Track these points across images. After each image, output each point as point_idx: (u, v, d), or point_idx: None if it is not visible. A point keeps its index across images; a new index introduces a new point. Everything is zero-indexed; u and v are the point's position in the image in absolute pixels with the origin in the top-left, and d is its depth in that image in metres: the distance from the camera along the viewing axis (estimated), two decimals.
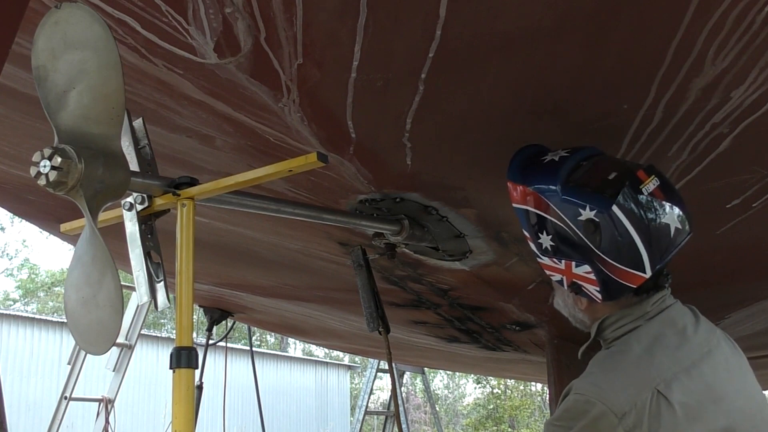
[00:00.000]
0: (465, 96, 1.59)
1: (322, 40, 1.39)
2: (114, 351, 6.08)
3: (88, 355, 5.42)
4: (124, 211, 1.60)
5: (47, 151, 1.30)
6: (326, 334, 5.44)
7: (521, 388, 22.67)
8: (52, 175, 1.29)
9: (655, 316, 1.58)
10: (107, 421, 5.94)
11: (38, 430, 11.25)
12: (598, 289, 1.57)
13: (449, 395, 28.74)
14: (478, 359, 5.75)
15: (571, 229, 1.55)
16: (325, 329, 5.02)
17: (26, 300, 25.52)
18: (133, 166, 1.55)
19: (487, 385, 23.31)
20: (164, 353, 15.29)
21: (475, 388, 24.95)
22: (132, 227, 1.58)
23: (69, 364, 5.93)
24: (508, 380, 21.24)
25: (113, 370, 6.09)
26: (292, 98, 1.58)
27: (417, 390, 23.99)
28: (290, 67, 1.46)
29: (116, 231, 1.62)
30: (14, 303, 24.95)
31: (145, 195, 1.58)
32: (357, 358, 22.24)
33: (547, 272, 1.65)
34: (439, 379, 28.59)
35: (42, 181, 1.31)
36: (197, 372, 1.66)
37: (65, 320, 1.68)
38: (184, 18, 1.35)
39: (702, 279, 2.86)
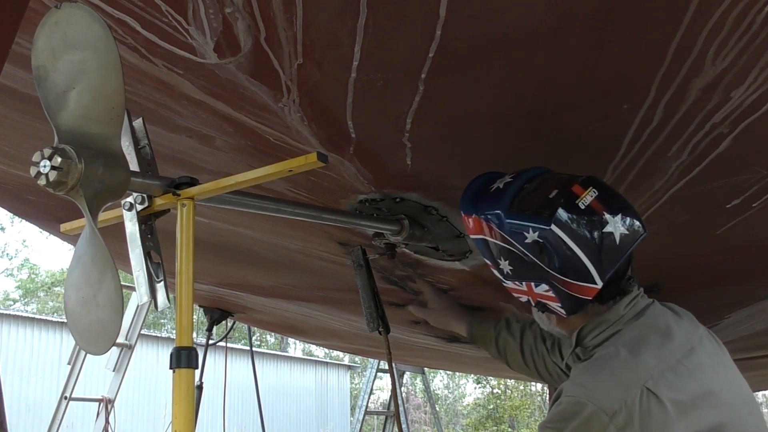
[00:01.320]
0: (465, 96, 1.59)
1: (322, 40, 1.39)
2: (114, 351, 6.09)
3: (88, 355, 5.42)
4: (124, 211, 1.60)
5: (47, 151, 1.30)
6: (326, 334, 5.43)
7: (521, 388, 22.68)
8: (52, 175, 1.29)
9: (633, 320, 1.60)
10: (107, 421, 5.95)
11: (38, 430, 11.25)
12: (559, 305, 1.61)
13: (449, 395, 28.74)
14: (478, 359, 5.74)
15: (522, 252, 1.58)
16: (325, 329, 5.02)
17: (26, 300, 25.53)
18: (133, 166, 1.55)
19: (487, 385, 23.33)
20: (164, 353, 15.30)
21: (475, 388, 24.98)
22: (132, 227, 1.58)
23: (69, 364, 5.93)
24: (508, 380, 21.24)
25: (113, 370, 6.10)
26: (292, 98, 1.58)
27: (417, 390, 23.99)
28: (290, 67, 1.46)
29: (116, 231, 1.62)
30: (14, 303, 24.96)
31: (145, 195, 1.58)
32: (357, 358, 22.24)
33: (514, 295, 1.70)
34: (439, 379, 28.60)
35: (42, 181, 1.31)
36: (197, 372, 1.66)
37: (65, 320, 1.68)
38: (184, 18, 1.35)
39: (702, 279, 2.86)
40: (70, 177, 1.30)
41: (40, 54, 1.30)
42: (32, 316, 14.87)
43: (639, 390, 1.45)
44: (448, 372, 26.45)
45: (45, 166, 1.30)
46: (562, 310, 1.62)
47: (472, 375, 23.05)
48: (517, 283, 1.66)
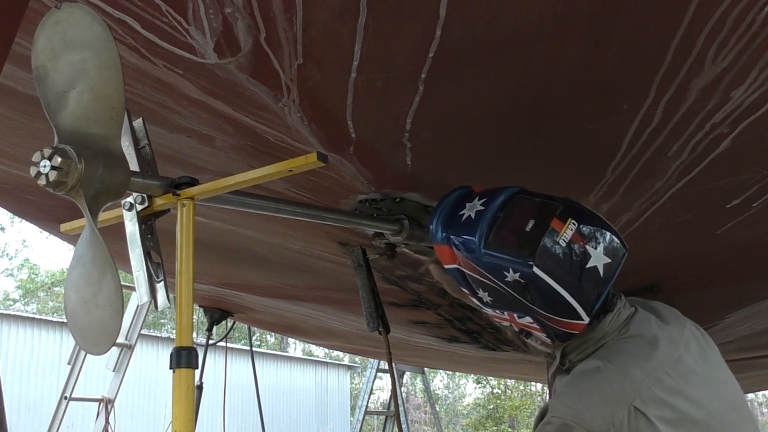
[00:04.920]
0: (465, 96, 1.59)
1: (322, 40, 1.39)
2: (114, 351, 6.08)
3: (88, 355, 5.42)
4: (124, 211, 1.60)
5: (47, 151, 1.30)
6: (326, 334, 5.43)
7: (521, 388, 22.68)
8: (52, 175, 1.29)
9: (617, 331, 1.57)
10: (107, 421, 5.94)
11: (38, 430, 11.25)
12: (545, 335, 1.59)
13: (449, 395, 28.75)
14: (478, 359, 5.75)
15: (503, 288, 1.53)
16: (325, 329, 5.02)
17: (26, 300, 25.53)
18: (133, 166, 1.55)
19: (487, 385, 23.32)
20: (164, 353, 15.29)
21: (475, 388, 24.97)
22: (132, 227, 1.58)
23: (69, 364, 5.93)
24: (508, 380, 21.24)
25: (113, 370, 6.09)
26: (292, 98, 1.58)
27: (417, 390, 24.00)
28: (290, 67, 1.46)
29: (116, 231, 1.62)
30: (14, 303, 24.96)
31: (145, 195, 1.58)
32: (357, 358, 22.24)
33: (496, 320, 1.66)
34: (439, 379, 28.60)
35: (42, 181, 1.31)
36: (197, 372, 1.66)
37: (65, 320, 1.68)
38: (184, 18, 1.35)
39: (702, 279, 2.86)
40: (70, 177, 1.30)
41: (40, 54, 1.30)
42: (32, 316, 14.87)
43: (627, 408, 1.42)
44: (448, 372, 26.45)
45: (45, 166, 1.30)
46: (548, 340, 1.59)
47: (472, 375, 23.06)
48: (498, 312, 1.61)
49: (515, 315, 1.58)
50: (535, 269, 1.45)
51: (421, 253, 2.55)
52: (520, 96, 1.59)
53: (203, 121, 1.80)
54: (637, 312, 1.61)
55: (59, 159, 1.29)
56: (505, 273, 1.50)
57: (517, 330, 1.64)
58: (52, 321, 14.18)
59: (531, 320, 1.56)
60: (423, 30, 1.33)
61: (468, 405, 26.16)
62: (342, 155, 1.86)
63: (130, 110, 1.59)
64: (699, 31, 1.31)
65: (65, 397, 5.84)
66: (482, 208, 1.58)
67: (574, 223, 1.49)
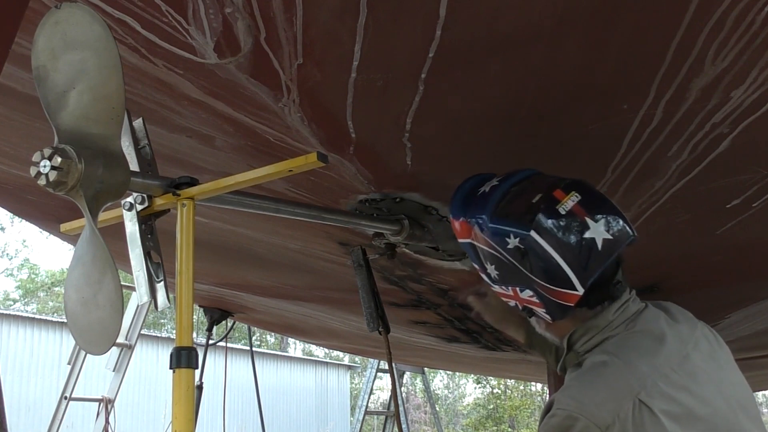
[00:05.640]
0: (465, 96, 1.59)
1: (322, 40, 1.39)
2: (114, 351, 6.09)
3: (88, 355, 5.42)
4: (124, 211, 1.60)
5: (47, 151, 1.30)
6: (326, 334, 5.43)
7: (521, 388, 22.68)
8: (52, 175, 1.29)
9: (625, 325, 1.58)
10: (107, 421, 5.95)
11: (38, 430, 11.25)
12: (544, 311, 1.60)
13: (449, 395, 28.75)
14: (478, 359, 5.75)
15: (506, 258, 1.57)
16: (325, 329, 5.02)
17: (26, 300, 25.53)
18: (133, 166, 1.55)
19: (487, 385, 23.33)
20: (164, 353, 15.30)
21: (475, 388, 24.97)
22: (132, 227, 1.58)
23: (69, 364, 5.93)
24: (508, 380, 21.25)
25: (113, 370, 6.10)
26: (292, 98, 1.58)
27: (417, 390, 24.00)
28: (290, 67, 1.46)
29: (116, 231, 1.62)
30: (14, 303, 24.96)
31: (145, 195, 1.58)
32: (357, 358, 22.24)
33: (503, 299, 1.69)
34: (439, 379, 28.60)
35: (42, 181, 1.31)
36: (197, 372, 1.66)
37: (65, 320, 1.68)
38: (184, 18, 1.35)
39: (702, 279, 2.86)
40: (70, 177, 1.30)
41: (40, 54, 1.30)
42: (32, 316, 14.87)
43: (632, 402, 1.42)
44: (448, 372, 26.46)
45: (45, 166, 1.30)
46: (548, 316, 1.60)
47: (472, 375, 23.06)
48: (503, 288, 1.65)
49: (518, 289, 1.60)
50: (533, 233, 1.50)
51: (421, 253, 2.55)
52: (519, 96, 1.59)
53: (203, 121, 1.80)
54: (647, 308, 1.63)
55: (59, 159, 1.29)
56: (507, 240, 1.54)
57: (521, 308, 1.65)
58: (52, 321, 14.18)
59: (531, 293, 1.58)
60: (423, 30, 1.33)
61: (468, 405, 26.16)
62: (342, 155, 1.86)
63: (130, 110, 1.59)
64: (699, 31, 1.31)
65: (65, 397, 5.84)
66: (497, 183, 1.65)
67: (576, 196, 1.53)
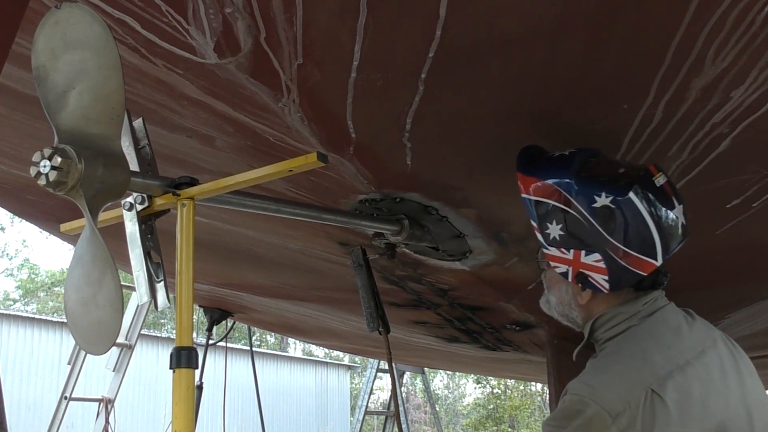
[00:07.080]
0: (465, 96, 1.59)
1: (322, 40, 1.39)
2: (114, 351, 6.09)
3: (88, 355, 5.42)
4: (124, 211, 1.60)
5: (47, 151, 1.30)
6: (326, 334, 5.44)
7: (521, 388, 22.68)
8: (52, 175, 1.29)
9: (647, 317, 1.58)
10: (107, 421, 5.95)
11: (38, 430, 11.25)
12: (606, 278, 1.57)
13: (449, 395, 28.74)
14: (478, 359, 5.75)
15: (585, 218, 1.56)
16: (325, 329, 5.03)
17: (26, 300, 25.52)
18: (133, 166, 1.55)
19: (487, 385, 23.32)
20: (164, 353, 15.29)
21: (475, 388, 24.96)
22: (132, 227, 1.58)
23: (69, 364, 5.93)
24: (508, 380, 21.24)
25: (113, 370, 6.10)
26: (292, 98, 1.58)
27: (417, 390, 23.99)
28: (290, 67, 1.46)
29: (116, 231, 1.62)
30: (14, 303, 24.95)
31: (145, 195, 1.58)
32: (357, 358, 22.24)
33: (552, 264, 1.65)
34: (439, 379, 28.59)
35: (42, 181, 1.31)
36: (197, 372, 1.66)
37: (65, 320, 1.68)
38: (184, 18, 1.35)
39: (702, 279, 2.86)
40: (70, 177, 1.30)
41: (40, 54, 1.30)
42: (32, 316, 14.87)
43: (644, 391, 1.43)
44: (448, 372, 26.44)
45: (45, 166, 1.30)
46: (607, 284, 1.57)
47: (472, 375, 23.05)
48: (563, 250, 1.61)
49: (582, 252, 1.58)
50: (631, 194, 1.52)
51: (421, 253, 2.55)
52: (520, 96, 1.59)
53: (203, 121, 1.80)
54: (669, 305, 1.65)
55: (59, 159, 1.29)
56: (596, 198, 1.55)
57: (573, 275, 1.61)
58: (52, 321, 14.18)
59: (599, 257, 1.56)
60: (423, 30, 1.33)
61: (468, 405, 26.15)
62: (342, 155, 1.86)
63: (130, 110, 1.59)
64: (699, 31, 1.31)
65: (65, 397, 5.84)
66: (575, 150, 1.66)
67: (665, 176, 1.58)
